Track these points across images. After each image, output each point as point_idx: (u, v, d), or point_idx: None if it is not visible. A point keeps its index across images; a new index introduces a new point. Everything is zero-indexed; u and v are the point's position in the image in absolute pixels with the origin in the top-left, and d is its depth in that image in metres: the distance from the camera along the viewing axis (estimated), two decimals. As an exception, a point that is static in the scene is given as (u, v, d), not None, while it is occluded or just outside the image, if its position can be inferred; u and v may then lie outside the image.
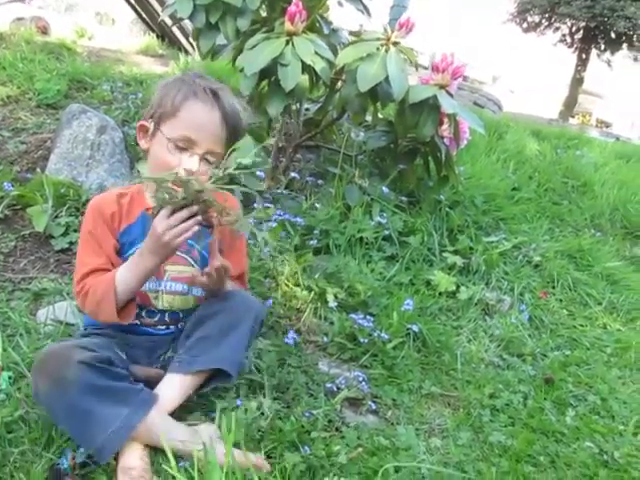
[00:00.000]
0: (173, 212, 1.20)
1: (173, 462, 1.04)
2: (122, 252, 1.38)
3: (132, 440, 1.16)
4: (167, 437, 1.12)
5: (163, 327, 1.42)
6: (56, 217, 2.14)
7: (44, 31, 5.46)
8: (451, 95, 2.45)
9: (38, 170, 2.39)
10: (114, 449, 1.13)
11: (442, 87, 2.39)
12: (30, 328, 1.59)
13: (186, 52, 5.46)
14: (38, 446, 1.19)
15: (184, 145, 1.32)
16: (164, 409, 1.24)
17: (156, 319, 1.41)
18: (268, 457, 1.25)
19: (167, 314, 1.42)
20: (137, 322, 1.39)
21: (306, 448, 1.29)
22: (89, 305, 1.29)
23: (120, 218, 1.39)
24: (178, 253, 1.39)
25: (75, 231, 2.12)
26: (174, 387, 1.29)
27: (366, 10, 2.57)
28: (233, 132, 1.39)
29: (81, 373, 1.13)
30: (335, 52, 2.41)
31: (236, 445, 1.17)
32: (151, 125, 1.37)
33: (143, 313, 1.40)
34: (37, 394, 1.18)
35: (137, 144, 1.46)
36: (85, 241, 1.37)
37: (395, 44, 2.29)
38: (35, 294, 1.80)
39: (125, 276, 1.27)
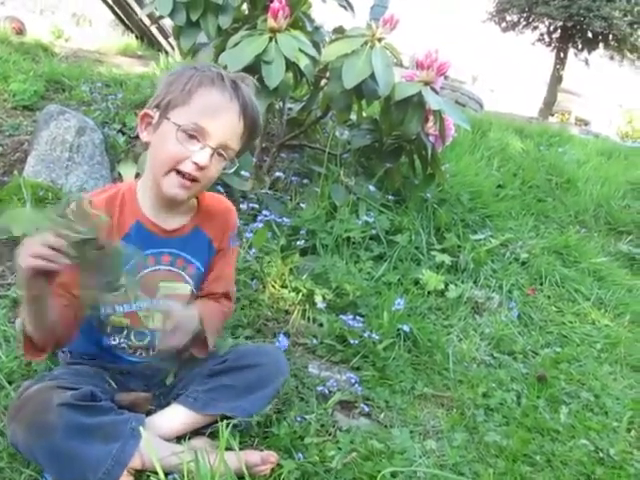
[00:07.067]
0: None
1: (162, 475, 1.00)
2: None
3: None
4: (159, 457, 1.04)
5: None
6: (34, 221, 2.08)
7: (19, 32, 5.36)
8: (436, 92, 2.43)
9: (15, 173, 2.31)
10: None
11: (427, 84, 2.37)
12: (9, 336, 1.52)
13: (166, 53, 5.39)
14: (17, 462, 1.13)
15: (195, 135, 1.12)
16: (158, 434, 1.17)
17: (146, 342, 1.28)
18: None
19: (158, 335, 1.28)
20: (123, 347, 1.27)
21: (299, 454, 1.25)
22: None
23: (111, 228, 1.15)
24: (173, 269, 1.25)
25: (54, 235, 2.05)
26: (179, 420, 1.23)
27: (350, 6, 2.54)
28: (251, 129, 1.21)
29: (62, 417, 1.03)
30: (318, 50, 2.38)
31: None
32: (156, 114, 1.17)
33: (132, 336, 1.27)
34: (15, 443, 1.08)
35: (137, 136, 1.28)
36: None
37: (380, 40, 2.26)
38: (13, 301, 1.73)
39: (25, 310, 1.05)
